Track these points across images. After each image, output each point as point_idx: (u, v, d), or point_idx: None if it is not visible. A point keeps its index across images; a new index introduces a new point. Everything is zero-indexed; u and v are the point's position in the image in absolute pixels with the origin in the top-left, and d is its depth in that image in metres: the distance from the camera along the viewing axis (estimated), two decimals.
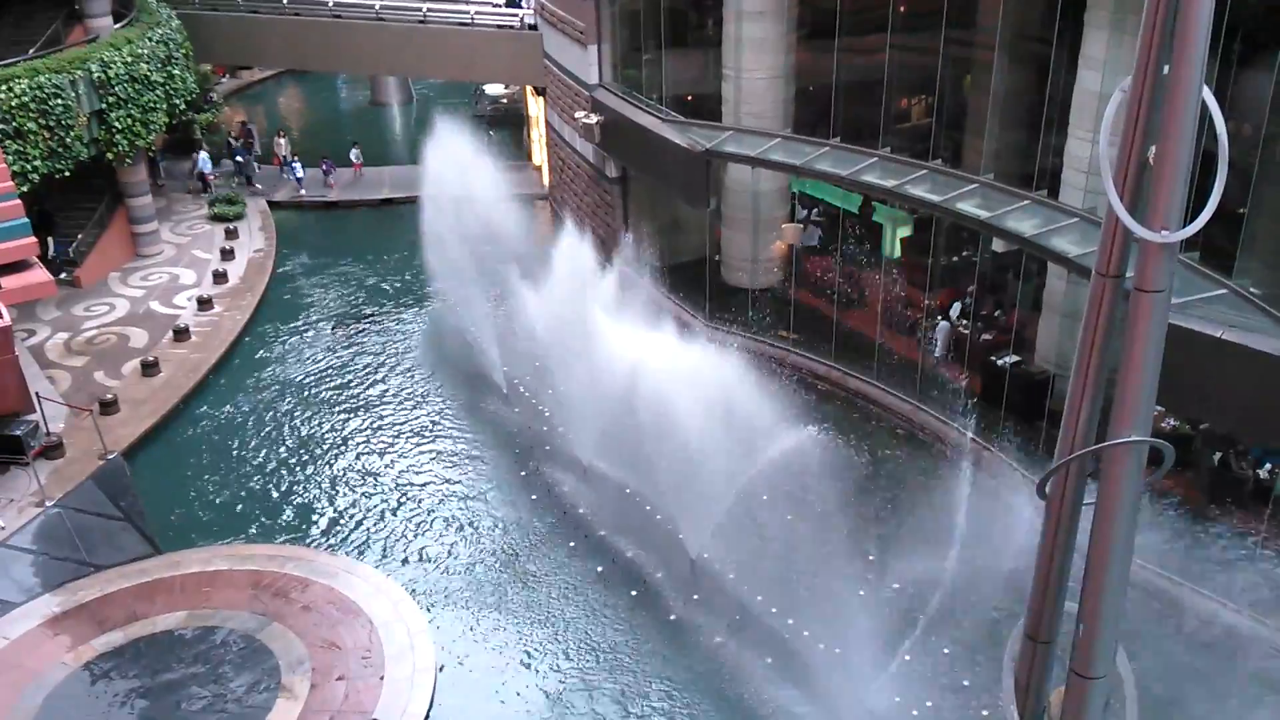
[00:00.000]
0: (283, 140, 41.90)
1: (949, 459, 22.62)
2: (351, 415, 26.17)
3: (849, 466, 21.32)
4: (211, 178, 39.54)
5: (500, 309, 28.45)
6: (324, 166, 40.52)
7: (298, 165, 40.52)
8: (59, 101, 28.37)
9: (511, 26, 38.62)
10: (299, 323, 31.02)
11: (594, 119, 30.89)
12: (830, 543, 19.33)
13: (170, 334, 29.17)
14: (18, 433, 23.06)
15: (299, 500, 23.05)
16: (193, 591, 19.73)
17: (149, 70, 31.95)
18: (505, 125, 47.70)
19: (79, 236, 32.36)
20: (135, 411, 25.66)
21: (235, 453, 24.71)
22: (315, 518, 22.49)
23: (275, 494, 23.26)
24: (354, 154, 41.40)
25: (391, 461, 24.34)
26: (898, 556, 19.84)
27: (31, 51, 30.36)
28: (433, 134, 30.44)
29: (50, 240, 30.84)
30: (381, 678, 17.61)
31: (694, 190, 27.81)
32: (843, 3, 24.78)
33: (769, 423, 19.52)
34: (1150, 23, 4.74)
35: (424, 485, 23.48)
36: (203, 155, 39.39)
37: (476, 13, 39.21)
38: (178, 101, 34.30)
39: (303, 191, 40.22)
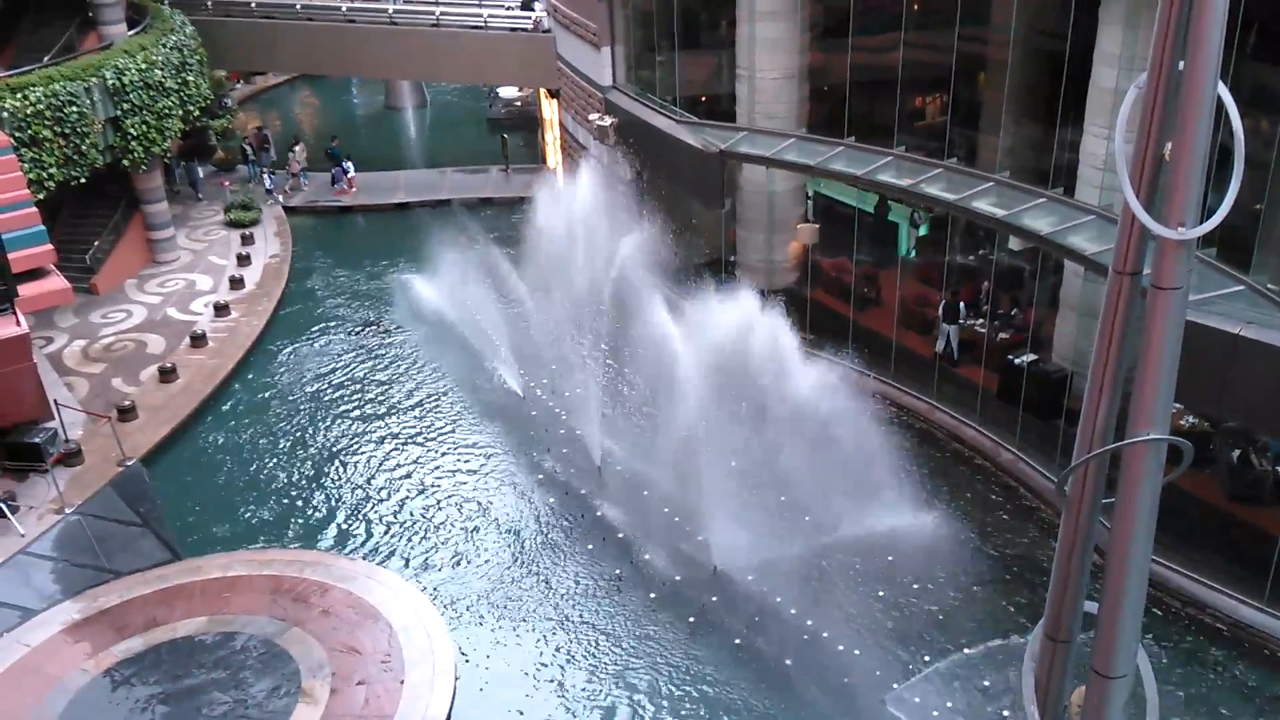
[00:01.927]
0: (297, 148, 41.74)
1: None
2: (369, 420, 26.19)
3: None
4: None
5: (515, 315, 28.43)
6: (335, 174, 40.54)
7: (266, 175, 40.58)
8: (74, 109, 28.53)
9: (525, 29, 38.67)
10: (316, 328, 31.06)
11: (608, 121, 30.89)
12: None
13: (188, 340, 29.27)
14: (37, 440, 23.18)
15: (317, 505, 23.08)
16: (212, 597, 19.78)
17: (163, 77, 32.12)
18: (520, 128, 47.80)
19: (95, 243, 32.53)
20: (153, 418, 25.77)
21: (253, 458, 24.77)
22: (333, 522, 22.52)
23: (293, 499, 23.31)
24: (347, 165, 40.81)
25: (410, 465, 24.34)
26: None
27: (46, 59, 30.56)
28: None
29: None
30: (401, 682, 17.62)
31: (708, 191, 27.77)
32: (856, 2, 24.75)
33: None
34: (1165, 18, 4.71)
35: (441, 488, 23.47)
36: None
37: (490, 15, 39.28)
38: (192, 108, 34.48)
39: (279, 198, 40.00)
